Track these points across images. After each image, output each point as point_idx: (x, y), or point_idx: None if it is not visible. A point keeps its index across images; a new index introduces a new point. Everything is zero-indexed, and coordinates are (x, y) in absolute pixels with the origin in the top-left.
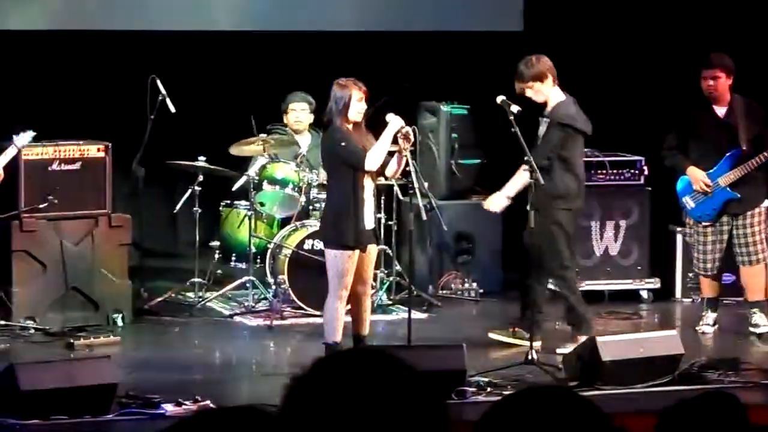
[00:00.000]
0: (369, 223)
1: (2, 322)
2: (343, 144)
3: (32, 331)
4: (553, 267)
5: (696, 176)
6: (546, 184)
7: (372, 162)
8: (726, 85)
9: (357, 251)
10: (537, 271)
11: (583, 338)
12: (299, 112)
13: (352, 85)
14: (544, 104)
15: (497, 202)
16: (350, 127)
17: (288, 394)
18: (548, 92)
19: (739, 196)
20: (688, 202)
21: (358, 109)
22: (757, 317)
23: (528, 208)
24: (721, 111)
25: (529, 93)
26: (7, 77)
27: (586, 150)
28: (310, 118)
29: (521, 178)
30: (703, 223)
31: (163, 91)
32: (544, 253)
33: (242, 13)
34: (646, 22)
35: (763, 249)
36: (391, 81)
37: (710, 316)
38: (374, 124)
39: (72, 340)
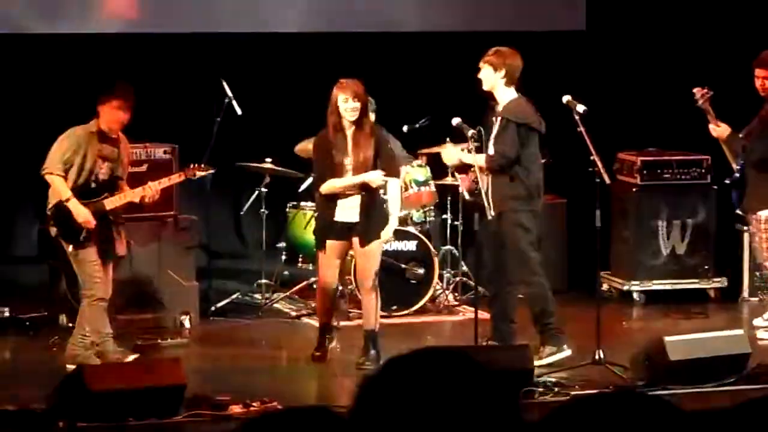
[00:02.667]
0: (347, 216)
1: (70, 324)
2: (313, 156)
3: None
4: (522, 273)
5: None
6: (506, 185)
7: (325, 190)
8: None
9: (332, 243)
10: (501, 279)
11: (548, 350)
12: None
13: (338, 86)
14: (490, 96)
15: (452, 154)
16: (340, 131)
17: (359, 394)
18: (498, 86)
19: (734, 195)
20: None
21: (347, 111)
22: None
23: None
24: None
25: (481, 74)
26: (75, 80)
27: (651, 149)
28: (372, 117)
29: (479, 159)
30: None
31: (230, 93)
32: (509, 258)
33: (308, 15)
34: (710, 19)
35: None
36: (459, 82)
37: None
38: (416, 142)
39: (139, 342)
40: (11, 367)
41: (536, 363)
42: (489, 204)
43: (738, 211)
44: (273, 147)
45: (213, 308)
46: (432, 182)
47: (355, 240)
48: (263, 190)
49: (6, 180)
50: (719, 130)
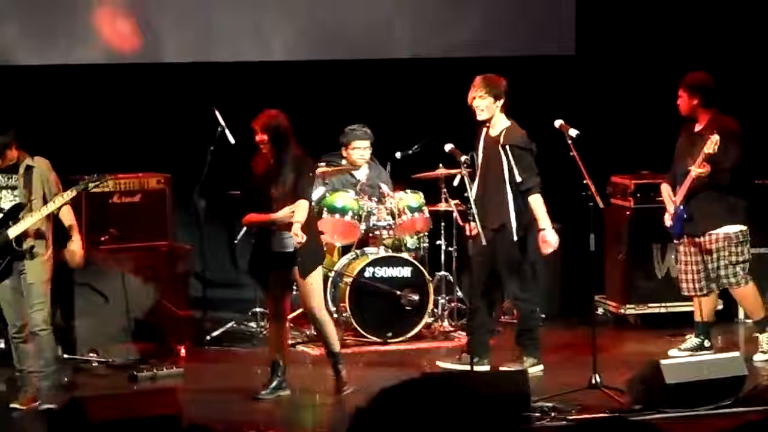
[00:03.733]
0: (283, 246)
1: (65, 355)
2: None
3: (95, 363)
4: (514, 288)
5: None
6: (509, 204)
7: (246, 221)
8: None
9: (271, 275)
10: (486, 292)
11: (529, 360)
12: (363, 150)
13: None
14: (483, 123)
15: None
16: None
17: (353, 424)
18: (497, 113)
19: (685, 216)
20: (666, 220)
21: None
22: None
23: (477, 225)
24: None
25: (478, 103)
26: (67, 110)
27: (644, 172)
28: (370, 151)
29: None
30: (674, 241)
31: (222, 123)
32: (504, 274)
33: (300, 42)
34: (700, 43)
35: (735, 273)
36: (447, 108)
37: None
38: (410, 168)
39: (135, 372)
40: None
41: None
42: (482, 230)
43: (676, 241)
44: None
45: (208, 337)
46: (426, 208)
47: (295, 270)
48: None
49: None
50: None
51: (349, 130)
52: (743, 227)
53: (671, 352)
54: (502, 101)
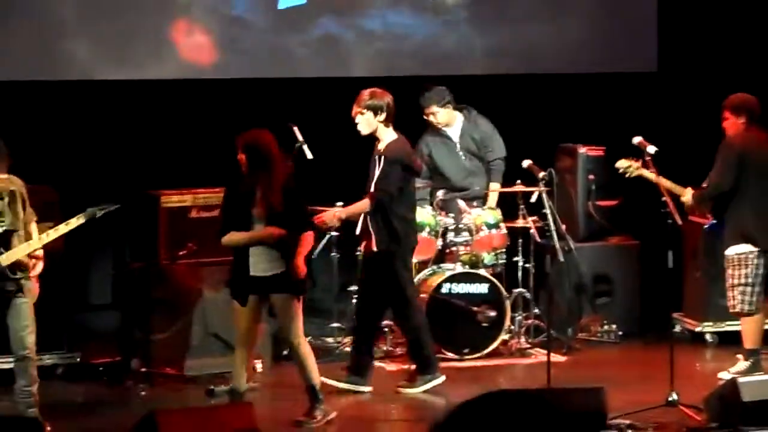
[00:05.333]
0: (262, 270)
1: (144, 369)
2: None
3: (172, 378)
4: (403, 308)
5: None
6: (386, 223)
7: (224, 243)
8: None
9: (248, 299)
10: (371, 311)
11: (426, 377)
12: (432, 114)
13: None
14: (372, 138)
15: (330, 217)
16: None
17: None
18: (379, 128)
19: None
20: None
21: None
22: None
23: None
24: None
25: (358, 119)
26: (146, 125)
27: None
28: (447, 110)
29: (361, 205)
30: None
31: (301, 138)
32: (391, 296)
33: (376, 60)
34: None
35: (734, 297)
36: (530, 124)
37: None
38: None
39: (212, 387)
40: (84, 413)
41: (410, 390)
42: (559, 246)
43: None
44: (344, 191)
45: (285, 352)
46: (503, 225)
47: (274, 294)
48: (334, 233)
49: (81, 228)
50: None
51: (421, 98)
52: (747, 249)
53: (720, 374)
54: (384, 115)
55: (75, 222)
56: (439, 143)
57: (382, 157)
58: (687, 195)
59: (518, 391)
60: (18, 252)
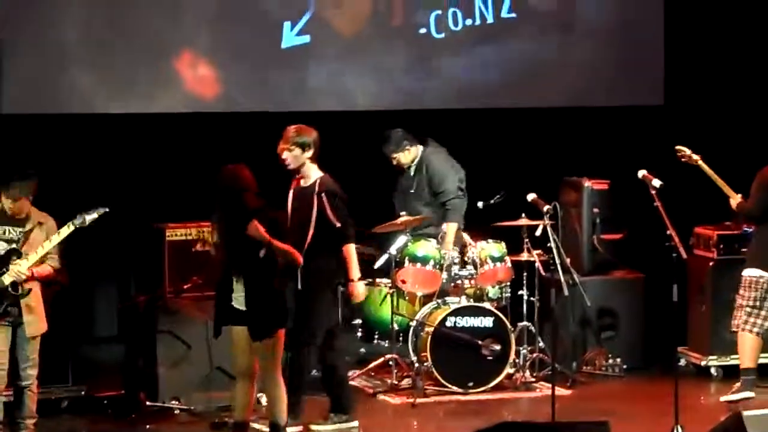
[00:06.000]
0: (238, 303)
1: (148, 402)
2: None
3: (178, 411)
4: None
5: None
6: (328, 259)
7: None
8: None
9: (230, 328)
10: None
11: (339, 417)
12: (396, 160)
13: None
14: (296, 172)
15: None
16: None
17: None
18: (306, 163)
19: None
20: None
21: None
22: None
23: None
24: None
25: (285, 155)
26: (148, 158)
27: (728, 223)
28: (405, 153)
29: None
30: None
31: None
32: (314, 326)
33: (387, 92)
34: None
35: (739, 316)
36: (534, 157)
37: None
38: (491, 217)
39: (218, 420)
40: None
41: (318, 428)
42: (564, 280)
43: None
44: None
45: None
46: (508, 258)
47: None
48: None
49: (86, 261)
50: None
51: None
52: (759, 273)
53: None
54: (311, 152)
55: (66, 230)
56: (402, 180)
57: (322, 194)
58: (735, 200)
59: (529, 423)
60: (16, 268)
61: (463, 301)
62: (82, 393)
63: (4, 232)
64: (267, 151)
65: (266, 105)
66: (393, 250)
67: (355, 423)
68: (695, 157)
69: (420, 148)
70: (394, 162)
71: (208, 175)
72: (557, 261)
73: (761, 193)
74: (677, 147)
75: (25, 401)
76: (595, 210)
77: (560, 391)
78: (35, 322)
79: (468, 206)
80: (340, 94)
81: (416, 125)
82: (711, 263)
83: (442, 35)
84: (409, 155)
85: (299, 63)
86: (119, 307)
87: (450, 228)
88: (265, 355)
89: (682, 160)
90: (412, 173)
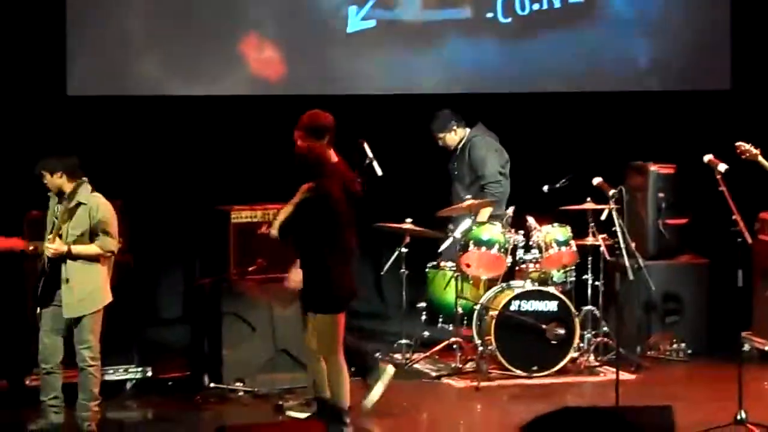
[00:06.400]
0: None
1: (212, 384)
2: None
3: (241, 393)
4: None
5: None
6: None
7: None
8: None
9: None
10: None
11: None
12: (441, 140)
13: None
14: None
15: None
16: None
17: None
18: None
19: None
20: None
21: None
22: None
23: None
24: None
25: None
26: (218, 142)
27: None
28: (451, 135)
29: None
30: None
31: (370, 155)
32: None
33: (447, 76)
34: None
35: None
36: (601, 142)
37: None
38: (557, 201)
39: (281, 402)
40: (153, 428)
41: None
42: (629, 264)
43: None
44: (412, 207)
45: (353, 368)
46: (573, 242)
47: None
48: (403, 250)
49: (153, 243)
50: None
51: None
52: None
53: None
54: (326, 138)
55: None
56: (449, 163)
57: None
58: None
59: (592, 408)
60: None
61: (528, 285)
62: (148, 374)
63: (55, 210)
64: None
65: (330, 88)
66: (458, 233)
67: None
68: (755, 151)
69: (467, 130)
70: (440, 142)
71: (272, 158)
72: (622, 245)
73: None
74: (737, 143)
75: (85, 383)
76: (661, 195)
77: (624, 375)
78: (72, 303)
79: (533, 190)
80: (404, 78)
81: (480, 109)
82: None
83: (509, 20)
84: (455, 136)
85: (364, 47)
86: (185, 289)
87: (483, 213)
88: (321, 335)
89: (743, 157)
90: (457, 156)
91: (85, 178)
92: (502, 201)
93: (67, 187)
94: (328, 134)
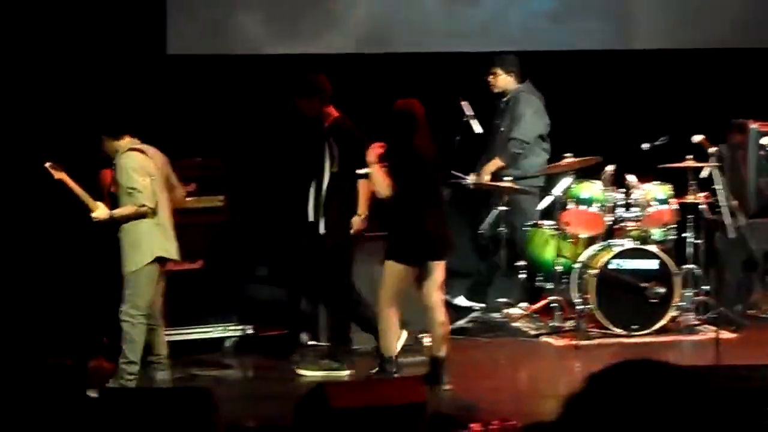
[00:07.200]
0: None
1: (311, 342)
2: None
3: None
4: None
5: None
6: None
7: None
8: None
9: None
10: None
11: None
12: (494, 77)
13: None
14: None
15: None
16: None
17: (565, 411)
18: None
19: None
20: None
21: None
22: None
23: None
24: None
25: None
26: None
27: None
28: (504, 78)
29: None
30: None
31: (470, 112)
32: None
33: (543, 35)
34: None
35: None
36: (702, 99)
37: None
38: (656, 159)
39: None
40: (253, 385)
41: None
42: (730, 222)
43: None
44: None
45: (452, 327)
46: (673, 200)
47: None
48: (502, 208)
49: (253, 202)
50: None
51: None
52: None
53: None
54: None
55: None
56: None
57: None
58: None
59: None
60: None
61: (628, 244)
62: (248, 332)
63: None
64: (429, 91)
65: (428, 46)
66: (557, 191)
67: (346, 372)
68: None
69: (515, 85)
70: (491, 78)
71: (369, 116)
72: (723, 203)
73: None
74: None
75: (153, 339)
76: (762, 152)
77: (724, 334)
78: (123, 261)
79: (633, 148)
80: (502, 37)
81: (579, 66)
82: None
83: None
84: (502, 81)
85: (457, 4)
86: (284, 247)
87: (493, 162)
88: (381, 281)
89: None
90: (503, 109)
91: (124, 138)
92: (535, 165)
93: (111, 149)
94: (322, 94)
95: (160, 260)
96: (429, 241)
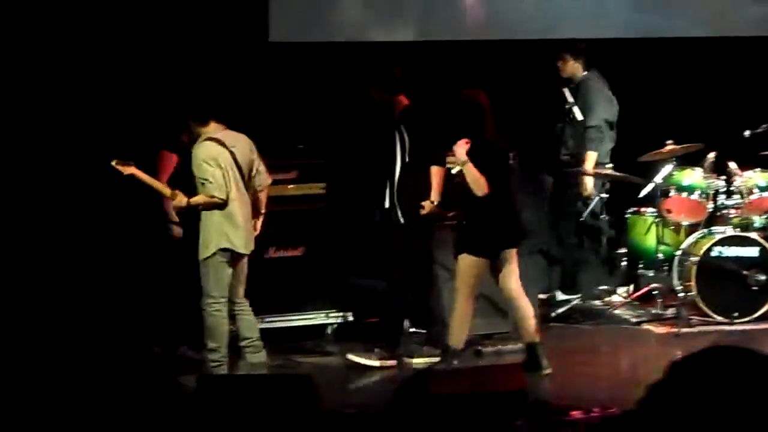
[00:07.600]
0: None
1: (413, 330)
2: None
3: None
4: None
5: None
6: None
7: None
8: None
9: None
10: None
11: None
12: (563, 63)
13: None
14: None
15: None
16: None
17: (647, 398)
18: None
19: None
20: None
21: None
22: None
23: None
24: None
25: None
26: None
27: None
28: (572, 64)
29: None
30: None
31: (571, 100)
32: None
33: (638, 22)
34: None
35: None
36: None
37: None
38: (759, 146)
39: (480, 347)
40: (353, 372)
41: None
42: None
43: None
44: (613, 152)
45: (553, 314)
46: None
47: None
48: (604, 195)
49: (355, 191)
50: None
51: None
52: None
53: None
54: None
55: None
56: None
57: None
58: None
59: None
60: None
61: (729, 231)
62: (349, 319)
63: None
64: (531, 79)
65: (530, 33)
66: (659, 178)
67: (394, 362)
68: None
69: (582, 72)
70: (560, 63)
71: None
72: None
73: None
74: None
75: (239, 324)
76: None
77: None
78: (199, 249)
79: (735, 135)
80: (606, 23)
81: (681, 54)
82: None
83: None
84: (569, 67)
85: None
86: (385, 235)
87: (590, 156)
88: (457, 273)
89: None
90: (569, 99)
91: (209, 124)
92: (603, 152)
93: (195, 134)
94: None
95: (229, 250)
96: (503, 232)
